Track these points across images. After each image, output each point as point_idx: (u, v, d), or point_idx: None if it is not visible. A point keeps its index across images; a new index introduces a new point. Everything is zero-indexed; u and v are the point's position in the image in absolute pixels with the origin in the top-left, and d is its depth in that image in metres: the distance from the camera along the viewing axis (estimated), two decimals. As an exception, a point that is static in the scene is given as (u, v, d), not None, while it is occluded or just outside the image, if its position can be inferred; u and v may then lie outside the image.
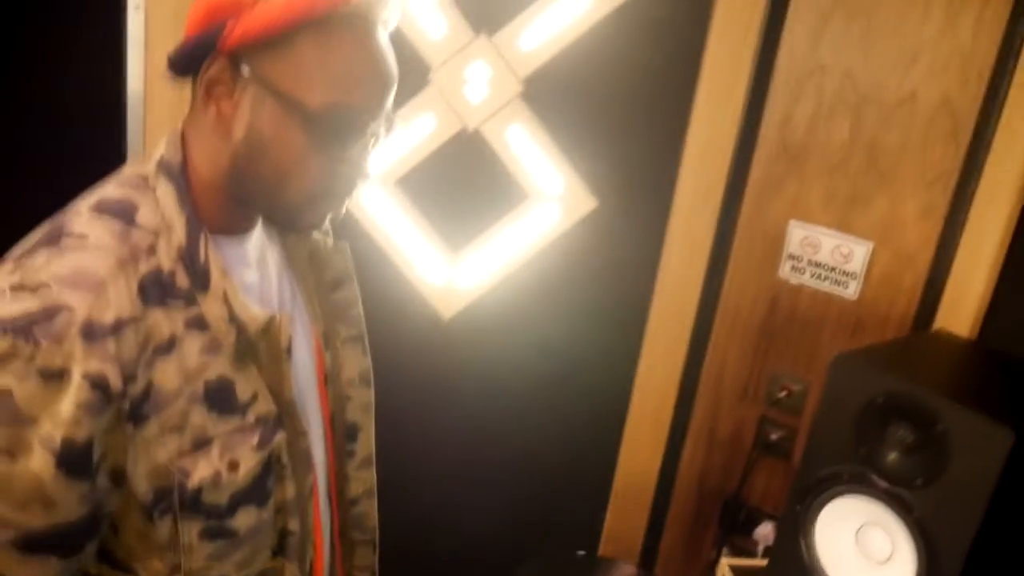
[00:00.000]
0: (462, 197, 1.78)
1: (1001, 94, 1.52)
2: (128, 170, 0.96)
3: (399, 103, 0.98)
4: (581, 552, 1.59)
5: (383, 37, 0.95)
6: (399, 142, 1.68)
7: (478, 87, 1.67)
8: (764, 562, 1.58)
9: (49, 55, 1.88)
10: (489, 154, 1.73)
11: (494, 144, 1.72)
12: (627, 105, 1.75)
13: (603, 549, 2.11)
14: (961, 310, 1.57)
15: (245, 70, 0.89)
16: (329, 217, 1.01)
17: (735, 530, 2.01)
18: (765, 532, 1.96)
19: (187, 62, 0.92)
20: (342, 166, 0.94)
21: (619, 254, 1.88)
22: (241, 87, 0.90)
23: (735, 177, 1.82)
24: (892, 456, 1.22)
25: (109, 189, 0.93)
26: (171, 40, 1.65)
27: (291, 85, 0.89)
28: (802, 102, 1.74)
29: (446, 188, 1.76)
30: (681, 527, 2.10)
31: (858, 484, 1.26)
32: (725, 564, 1.58)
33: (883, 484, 1.22)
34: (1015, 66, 1.50)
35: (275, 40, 0.88)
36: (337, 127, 0.91)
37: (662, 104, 1.77)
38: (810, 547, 1.32)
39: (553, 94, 1.71)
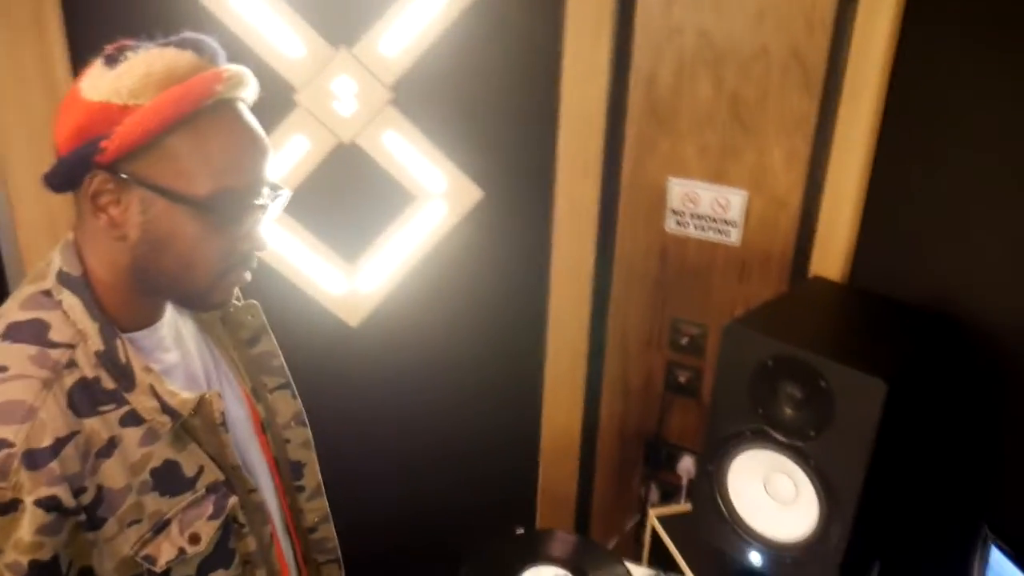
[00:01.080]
0: (350, 208, 1.79)
1: (845, 41, 1.60)
2: (27, 289, 0.96)
3: (269, 128, 0.99)
4: (520, 530, 1.68)
5: (247, 113, 0.97)
6: (278, 167, 1.66)
7: (347, 100, 1.66)
8: (687, 507, 1.70)
9: None
10: (369, 163, 1.74)
11: (372, 153, 1.72)
12: (497, 94, 1.77)
13: (540, 507, 2.22)
14: (832, 248, 1.68)
15: (127, 177, 0.90)
16: (236, 290, 1.04)
17: (659, 468, 2.14)
18: (687, 466, 2.10)
19: (64, 180, 0.92)
20: (240, 243, 0.97)
21: (512, 235, 1.93)
22: (127, 192, 0.91)
23: (611, 144, 1.88)
24: (786, 412, 1.33)
25: (14, 312, 0.94)
26: (26, 159, 1.60)
27: (175, 182, 0.90)
28: (664, 64, 1.79)
29: (333, 202, 1.76)
30: (610, 473, 2.22)
31: (760, 440, 1.37)
32: (653, 515, 1.69)
33: (781, 438, 1.34)
34: (855, 12, 1.57)
35: (151, 144, 0.89)
36: (228, 210, 0.94)
37: (530, 87, 1.80)
38: (725, 498, 1.44)
39: (423, 96, 1.72)
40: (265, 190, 0.98)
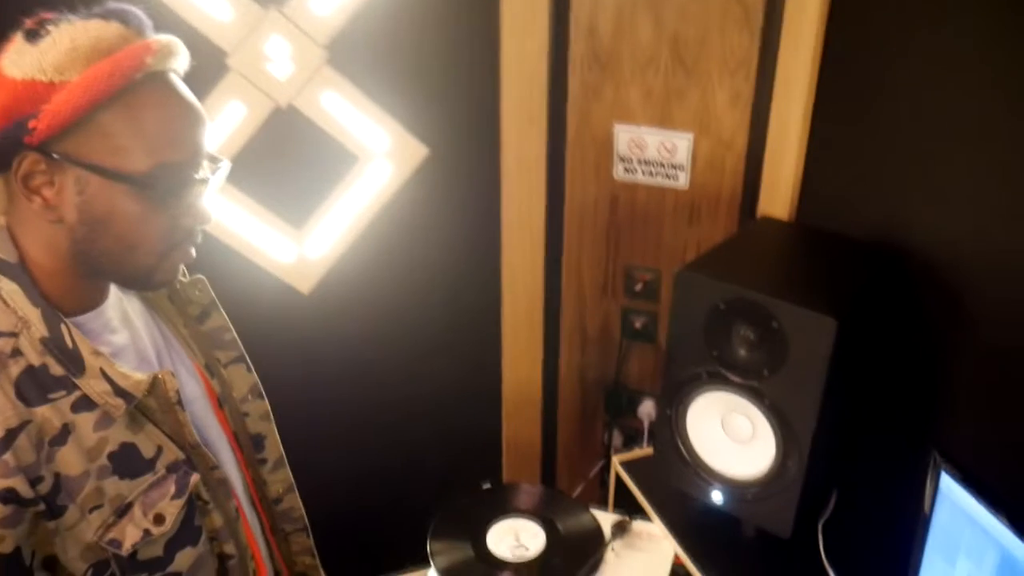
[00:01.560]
0: (293, 173, 1.74)
1: (782, -24, 1.59)
2: None
3: (202, 95, 0.96)
4: (486, 485, 1.70)
5: (180, 84, 0.94)
6: (215, 135, 1.61)
7: (281, 62, 1.61)
8: (650, 451, 1.73)
9: None
10: (310, 126, 1.69)
11: (312, 115, 1.68)
12: (436, 47, 1.73)
13: (505, 459, 2.24)
14: (779, 187, 1.69)
15: (59, 157, 0.86)
16: (181, 267, 1.01)
17: (621, 414, 2.17)
18: (647, 409, 2.13)
19: None
20: (183, 219, 0.95)
21: (461, 191, 1.91)
22: (60, 173, 0.87)
23: (555, 93, 1.86)
24: (740, 353, 1.35)
25: None
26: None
27: (111, 160, 0.88)
28: (603, 9, 1.77)
29: (275, 168, 1.72)
30: (573, 422, 2.25)
31: (715, 382, 1.39)
32: (616, 462, 1.72)
33: (736, 379, 1.36)
34: (791, -53, 1.56)
35: (82, 122, 0.86)
36: (168, 185, 0.91)
37: (470, 40, 1.76)
38: (685, 440, 1.47)
39: (360, 54, 1.67)
40: (204, 162, 0.96)
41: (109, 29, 0.88)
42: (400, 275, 1.93)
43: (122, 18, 0.90)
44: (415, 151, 1.78)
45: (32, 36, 0.87)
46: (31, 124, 0.84)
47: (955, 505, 1.13)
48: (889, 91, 1.44)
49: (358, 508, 2.08)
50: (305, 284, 1.83)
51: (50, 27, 0.87)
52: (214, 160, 0.98)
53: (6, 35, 0.89)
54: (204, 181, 0.96)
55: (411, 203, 1.84)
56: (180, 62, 0.94)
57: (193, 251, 1.00)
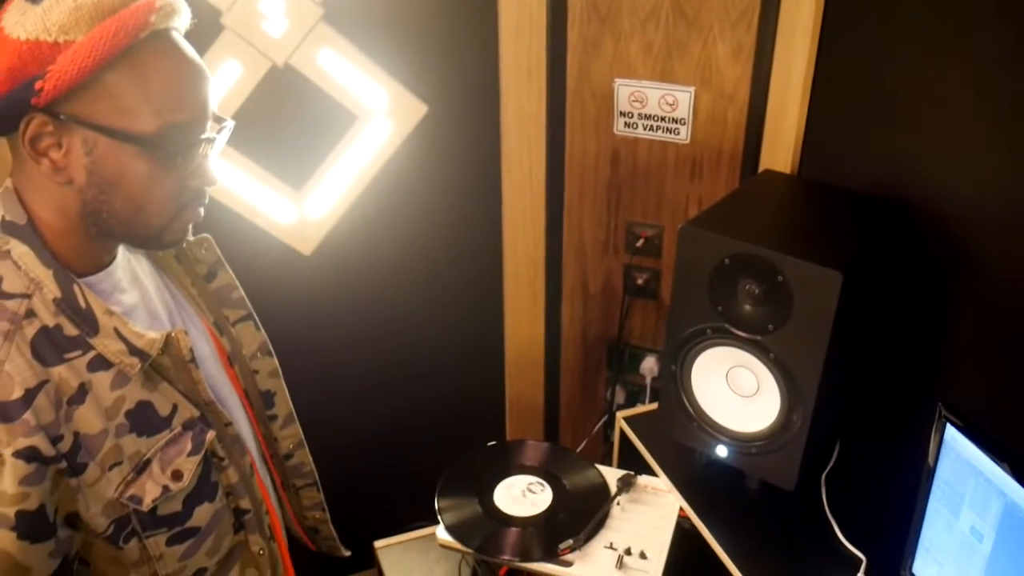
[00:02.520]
0: (292, 133, 1.72)
1: (784, -75, 1.56)
2: None
3: (198, 54, 0.96)
4: (492, 443, 1.71)
5: (184, 43, 0.93)
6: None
7: (276, 20, 1.58)
8: (652, 407, 1.73)
9: None
10: (307, 84, 1.67)
11: (309, 73, 1.65)
12: (433, 4, 1.70)
13: (509, 419, 2.26)
14: (781, 140, 1.68)
15: (66, 118, 0.86)
16: (190, 227, 1.02)
17: (623, 370, 2.18)
18: (649, 365, 2.14)
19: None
20: (191, 179, 0.95)
21: (461, 149, 1.89)
22: (67, 134, 0.87)
23: (554, 48, 1.83)
24: (745, 308, 1.35)
25: None
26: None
27: (118, 120, 0.87)
28: (603, -40, 1.74)
29: (273, 128, 1.70)
30: (575, 380, 2.25)
31: (720, 337, 1.39)
32: (620, 418, 1.73)
33: (741, 333, 1.36)
34: None
35: (88, 82, 0.85)
36: (176, 145, 0.91)
37: (467, -7, 1.73)
38: (689, 396, 1.47)
39: (357, 10, 1.64)
40: (210, 122, 0.96)
41: None
42: (401, 235, 1.92)
43: None
44: (414, 109, 1.76)
45: None
46: (37, 85, 0.83)
47: (959, 456, 1.14)
48: (893, 41, 1.42)
49: (365, 467, 2.10)
50: (306, 245, 1.82)
51: None
52: (218, 120, 0.98)
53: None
54: (210, 141, 0.96)
55: (411, 162, 1.83)
56: (182, 20, 0.94)
57: (201, 211, 1.01)
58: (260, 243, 1.78)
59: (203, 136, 0.94)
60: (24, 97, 0.84)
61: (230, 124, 0.99)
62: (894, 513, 1.35)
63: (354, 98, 1.71)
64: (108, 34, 0.84)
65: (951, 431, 1.14)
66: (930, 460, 1.19)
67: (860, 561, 1.35)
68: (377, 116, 1.74)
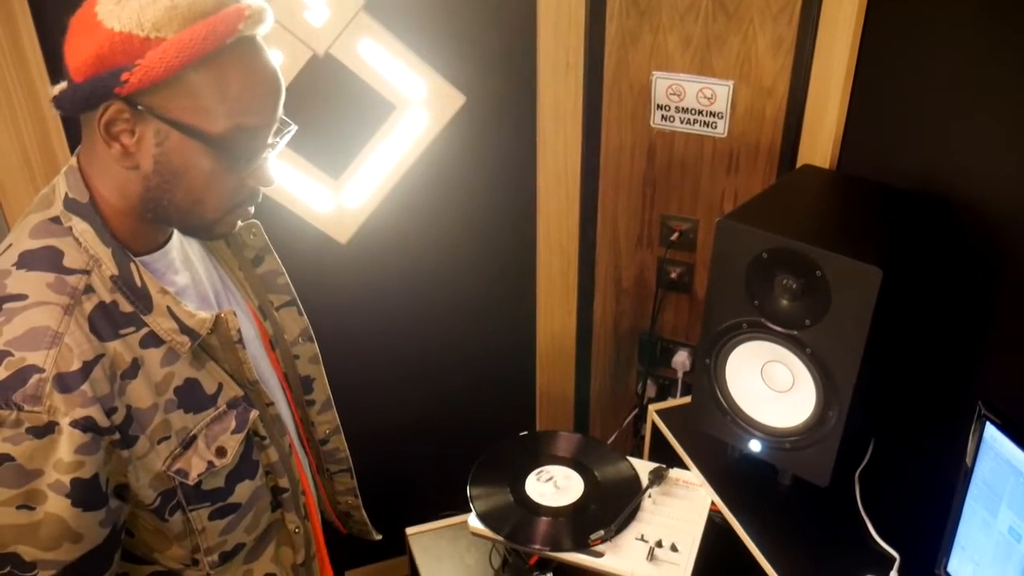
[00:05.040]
0: (330, 122, 1.74)
1: (829, -82, 1.55)
2: (33, 218, 0.96)
3: None
4: (524, 433, 1.72)
5: (266, 51, 0.96)
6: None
7: (317, 9, 1.59)
8: (684, 401, 1.73)
9: None
10: (346, 74, 1.68)
11: (349, 63, 1.67)
12: (473, -6, 1.71)
13: (539, 410, 2.26)
14: (820, 135, 1.67)
15: (143, 109, 0.89)
16: (239, 222, 1.04)
17: (655, 363, 2.18)
18: (681, 360, 2.13)
19: (77, 106, 0.91)
20: (249, 180, 0.98)
21: (497, 140, 1.90)
22: (141, 123, 0.90)
23: (592, 40, 1.83)
24: (782, 303, 1.34)
25: (24, 241, 0.94)
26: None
27: (192, 118, 0.90)
28: (643, -47, 1.73)
29: (313, 117, 1.71)
30: (606, 371, 2.26)
31: (756, 331, 1.39)
32: (652, 410, 1.73)
33: (778, 328, 1.35)
34: None
35: (171, 80, 0.88)
36: (242, 148, 0.94)
37: (507, -14, 1.74)
38: (724, 390, 1.47)
39: (397, 0, 1.65)
40: (275, 128, 0.99)
41: None
42: (436, 225, 1.93)
43: None
44: (452, 99, 1.77)
45: None
46: (123, 76, 0.86)
47: (999, 455, 1.12)
48: (937, 34, 1.41)
49: (395, 454, 2.12)
50: (343, 234, 1.84)
51: None
52: (283, 124, 1.00)
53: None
54: (273, 145, 0.99)
55: (447, 152, 1.84)
56: (266, 27, 0.96)
57: (252, 210, 1.04)
58: (297, 231, 1.80)
59: (268, 142, 0.97)
60: (108, 85, 0.87)
61: (293, 129, 1.01)
62: (929, 511, 1.34)
63: (393, 88, 1.72)
64: (198, 37, 0.86)
65: (991, 429, 1.13)
66: (968, 459, 1.18)
67: (894, 559, 1.34)
68: (415, 106, 1.75)
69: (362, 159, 1.78)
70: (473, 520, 1.50)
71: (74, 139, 1.55)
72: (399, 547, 1.68)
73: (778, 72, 1.73)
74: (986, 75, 1.32)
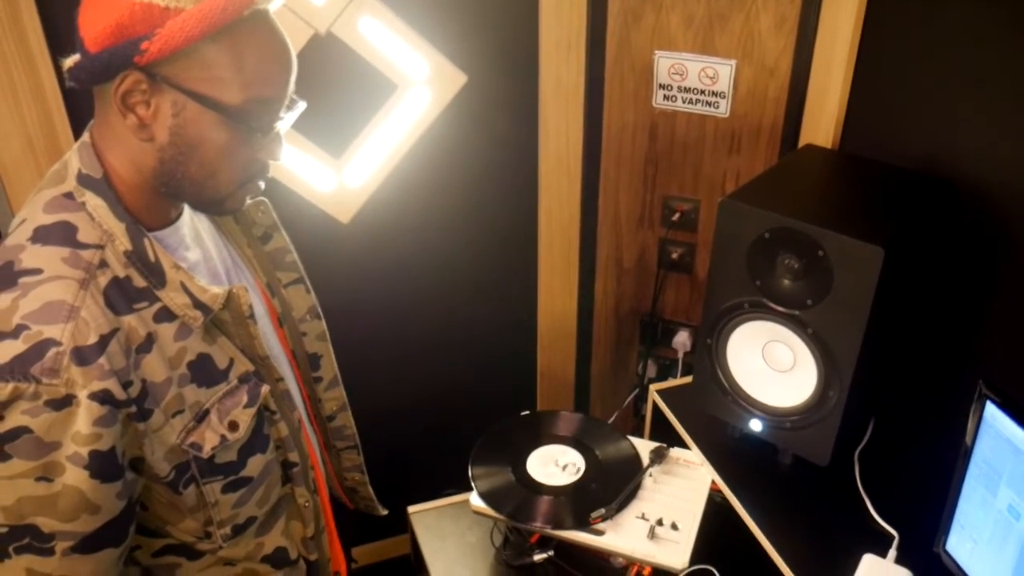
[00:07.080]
0: (332, 101, 1.73)
1: None
2: (47, 192, 0.97)
3: None
4: (525, 412, 1.72)
5: (278, 25, 0.97)
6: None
7: (319, -13, 1.59)
8: (685, 381, 1.74)
9: None
10: (348, 53, 1.68)
11: (350, 41, 1.66)
12: (475, -29, 1.70)
13: (540, 390, 2.27)
14: (823, 115, 1.66)
15: (160, 80, 0.90)
16: (248, 198, 1.06)
17: (656, 344, 2.18)
18: (682, 340, 2.14)
19: (94, 77, 0.91)
20: (260, 153, 0.99)
21: (499, 120, 1.89)
22: (158, 94, 0.91)
23: (595, 19, 1.82)
24: (784, 283, 1.34)
25: (39, 216, 0.94)
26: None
27: (209, 89, 0.91)
28: (645, -70, 1.72)
29: (314, 96, 1.67)
30: (607, 353, 2.26)
31: (757, 311, 1.39)
32: (653, 390, 1.73)
33: (779, 308, 1.36)
34: None
35: (189, 50, 0.89)
36: (256, 120, 0.95)
37: (509, -37, 1.72)
38: (725, 370, 1.47)
39: (398, -23, 1.65)
40: (287, 102, 1.00)
41: None
42: (438, 205, 1.93)
43: None
44: (454, 78, 1.76)
45: None
46: (143, 45, 0.86)
47: (999, 434, 1.13)
48: (942, 13, 1.40)
49: (397, 433, 2.13)
50: (345, 214, 1.84)
51: None
52: (292, 100, 1.01)
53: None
54: (284, 119, 1.00)
55: (449, 131, 1.83)
56: (279, 1, 0.97)
57: (262, 185, 1.05)
58: (299, 211, 1.79)
59: (280, 114, 0.98)
60: (128, 54, 0.87)
61: (302, 105, 1.02)
62: (928, 490, 1.35)
63: (395, 67, 1.71)
64: (217, 8, 0.87)
65: (991, 408, 1.14)
66: (968, 437, 1.19)
67: (892, 537, 1.35)
68: (417, 85, 1.74)
69: (364, 139, 1.78)
70: (475, 499, 1.51)
71: (75, 114, 1.54)
72: (401, 525, 1.69)
73: (781, 51, 1.72)
74: (991, 55, 1.31)
